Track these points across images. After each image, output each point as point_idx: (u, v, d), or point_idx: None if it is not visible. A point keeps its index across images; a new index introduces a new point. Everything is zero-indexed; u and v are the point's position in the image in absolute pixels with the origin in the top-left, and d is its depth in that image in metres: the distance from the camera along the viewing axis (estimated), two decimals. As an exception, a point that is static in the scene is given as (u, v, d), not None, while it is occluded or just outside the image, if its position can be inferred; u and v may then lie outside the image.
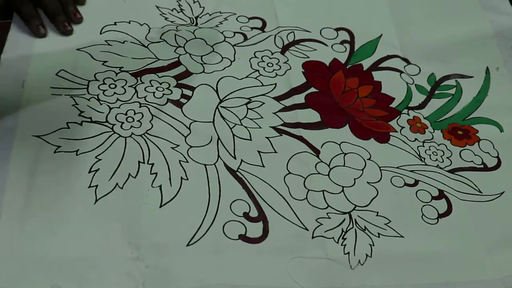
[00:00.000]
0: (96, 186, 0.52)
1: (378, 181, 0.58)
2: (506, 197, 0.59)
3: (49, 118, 0.56)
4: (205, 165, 0.56)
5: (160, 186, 0.54)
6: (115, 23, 0.66)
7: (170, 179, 0.54)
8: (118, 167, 0.54)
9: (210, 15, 0.70)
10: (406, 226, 0.55)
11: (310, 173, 0.57)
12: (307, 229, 0.53)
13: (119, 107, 0.59)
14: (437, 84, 0.68)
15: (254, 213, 0.54)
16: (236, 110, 0.61)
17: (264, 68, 0.65)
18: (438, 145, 0.62)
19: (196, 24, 0.68)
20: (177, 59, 0.64)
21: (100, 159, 0.54)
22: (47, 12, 0.64)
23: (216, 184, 0.55)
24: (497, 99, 0.68)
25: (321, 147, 0.60)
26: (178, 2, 0.70)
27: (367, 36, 0.71)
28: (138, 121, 0.58)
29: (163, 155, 0.56)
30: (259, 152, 0.58)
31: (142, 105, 0.59)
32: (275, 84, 0.64)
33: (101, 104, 0.58)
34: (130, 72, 0.62)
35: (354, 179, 0.58)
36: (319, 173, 0.58)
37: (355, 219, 0.55)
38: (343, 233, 0.54)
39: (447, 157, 0.62)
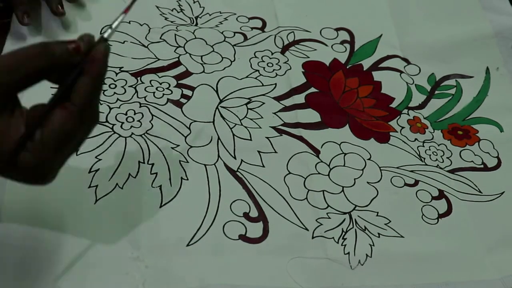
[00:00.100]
0: (96, 186, 0.52)
1: (378, 181, 0.58)
2: (506, 197, 0.59)
3: (49, 118, 0.56)
4: (205, 165, 0.56)
5: (160, 186, 0.53)
6: (115, 23, 0.66)
7: (170, 179, 0.54)
8: (118, 167, 0.54)
9: (210, 15, 0.70)
10: (406, 226, 0.55)
11: (310, 173, 0.57)
12: (307, 229, 0.53)
13: (119, 107, 0.58)
14: (437, 84, 0.68)
15: (254, 213, 0.54)
16: (236, 110, 0.61)
17: (264, 68, 0.65)
18: (438, 145, 0.62)
19: (196, 24, 0.68)
20: (177, 59, 0.64)
21: (100, 159, 0.54)
22: None
23: (216, 184, 0.55)
24: (497, 99, 0.68)
25: (321, 147, 0.60)
26: (178, 2, 0.70)
27: (367, 36, 0.71)
28: (138, 121, 0.58)
29: (163, 155, 0.56)
30: (259, 152, 0.58)
31: (142, 105, 0.59)
32: (275, 84, 0.64)
33: (101, 104, 0.58)
34: (130, 72, 0.62)
35: (354, 179, 0.58)
36: (319, 173, 0.58)
37: (355, 219, 0.55)
38: (343, 233, 0.54)
39: (447, 157, 0.62)
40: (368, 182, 0.58)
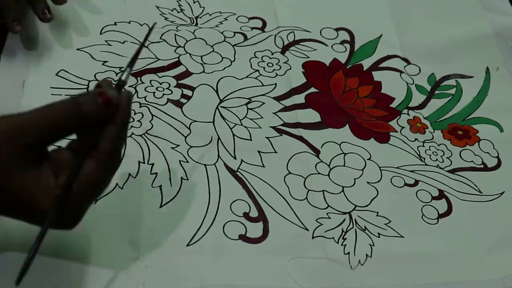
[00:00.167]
0: (96, 186, 0.52)
1: (378, 181, 0.58)
2: (506, 197, 0.59)
3: (49, 118, 0.56)
4: (205, 165, 0.56)
5: (160, 186, 0.53)
6: (115, 23, 0.66)
7: (170, 179, 0.54)
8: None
9: (210, 15, 0.70)
10: (406, 226, 0.55)
11: (310, 173, 0.57)
12: (307, 229, 0.53)
13: (119, 107, 0.58)
14: (437, 84, 0.68)
15: (254, 213, 0.54)
16: (236, 110, 0.61)
17: (264, 68, 0.65)
18: (438, 145, 0.62)
19: (196, 24, 0.68)
20: (177, 59, 0.64)
21: (100, 159, 0.54)
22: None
23: (216, 184, 0.55)
24: (497, 99, 0.68)
25: (321, 147, 0.60)
26: (178, 2, 0.70)
27: (367, 36, 0.71)
28: (138, 121, 0.58)
29: (163, 155, 0.56)
30: (259, 152, 0.58)
31: (142, 105, 0.59)
32: (275, 84, 0.64)
33: (101, 104, 0.58)
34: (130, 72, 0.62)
35: (354, 179, 0.58)
36: (319, 173, 0.58)
37: (355, 219, 0.55)
38: (343, 233, 0.54)
39: (447, 157, 0.62)
40: (368, 182, 0.58)
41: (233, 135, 0.59)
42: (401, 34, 0.72)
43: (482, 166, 0.62)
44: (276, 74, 0.65)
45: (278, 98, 0.63)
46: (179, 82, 0.62)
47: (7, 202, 0.38)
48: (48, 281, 0.46)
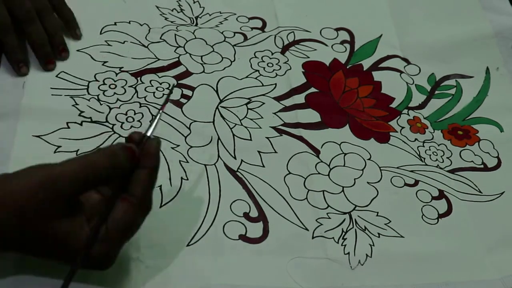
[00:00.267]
0: (96, 186, 0.52)
1: (378, 181, 0.58)
2: (506, 197, 0.59)
3: (49, 118, 0.56)
4: (205, 165, 0.56)
5: (160, 186, 0.53)
6: (115, 23, 0.66)
7: (170, 179, 0.54)
8: None
9: (210, 15, 0.70)
10: (406, 226, 0.55)
11: (310, 173, 0.57)
12: (307, 229, 0.53)
13: (119, 107, 0.58)
14: (437, 84, 0.68)
15: (254, 213, 0.54)
16: (236, 110, 0.61)
17: (264, 68, 0.65)
18: (438, 145, 0.62)
19: (196, 24, 0.68)
20: (177, 59, 0.64)
21: (100, 159, 0.54)
22: (30, 42, 0.59)
23: (216, 184, 0.55)
24: (497, 99, 0.68)
25: (321, 147, 0.60)
26: (178, 2, 0.70)
27: (367, 36, 0.71)
28: (138, 121, 0.58)
29: (163, 155, 0.56)
30: (259, 152, 0.58)
31: (142, 105, 0.59)
32: (275, 84, 0.64)
33: (101, 104, 0.58)
34: (130, 72, 0.62)
35: (354, 179, 0.58)
36: (319, 173, 0.58)
37: (355, 219, 0.55)
38: (343, 233, 0.54)
39: (447, 157, 0.62)
40: (368, 182, 0.58)
41: (233, 135, 0.59)
42: (401, 34, 0.72)
43: (482, 166, 0.62)
44: (276, 74, 0.65)
45: (278, 98, 0.63)
46: (179, 82, 0.62)
47: (42, 247, 0.39)
48: (48, 281, 0.46)
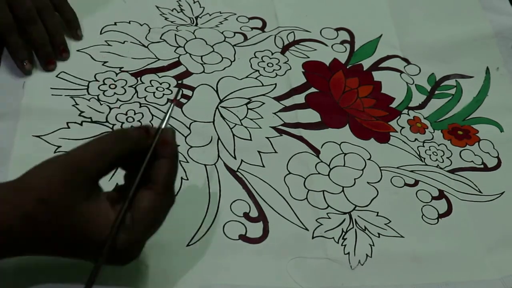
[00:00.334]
0: (96, 186, 0.52)
1: (378, 181, 0.58)
2: (506, 197, 0.59)
3: (49, 118, 0.56)
4: (205, 165, 0.56)
5: (160, 186, 0.53)
6: (115, 23, 0.66)
7: (170, 179, 0.54)
8: (118, 167, 0.54)
9: (210, 15, 0.70)
10: (406, 226, 0.55)
11: (310, 173, 0.57)
12: (307, 229, 0.53)
13: (119, 107, 0.59)
14: (437, 84, 0.68)
15: (254, 213, 0.54)
16: (236, 110, 0.61)
17: (264, 68, 0.65)
18: (438, 145, 0.62)
19: (196, 24, 0.68)
20: (177, 59, 0.64)
21: (100, 159, 0.54)
22: (31, 42, 0.59)
23: (216, 184, 0.55)
24: (497, 99, 0.68)
25: (321, 147, 0.60)
26: (178, 2, 0.70)
27: (367, 36, 0.71)
28: (138, 121, 0.58)
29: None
30: (259, 152, 0.58)
31: (142, 105, 0.59)
32: (275, 84, 0.64)
33: (101, 104, 0.58)
34: (130, 72, 0.62)
35: (354, 179, 0.58)
36: (319, 173, 0.58)
37: (355, 219, 0.55)
38: (343, 233, 0.54)
39: (447, 157, 0.62)
40: (368, 182, 0.58)
41: (233, 135, 0.59)
42: (401, 34, 0.72)
43: (482, 166, 0.62)
44: (276, 74, 0.65)
45: (278, 98, 0.63)
46: (179, 82, 0.62)
47: (68, 238, 0.39)
48: (48, 281, 0.46)
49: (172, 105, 0.45)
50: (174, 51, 0.65)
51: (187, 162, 0.56)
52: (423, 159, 0.61)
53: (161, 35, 0.66)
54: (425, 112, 0.65)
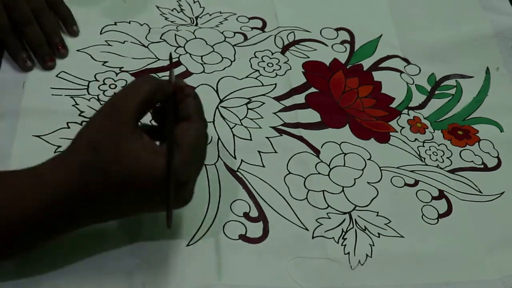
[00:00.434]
0: (96, 186, 0.52)
1: (378, 181, 0.58)
2: (506, 197, 0.59)
3: (49, 118, 0.56)
4: (205, 165, 0.56)
5: (160, 186, 0.53)
6: (115, 23, 0.66)
7: (170, 179, 0.54)
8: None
9: (210, 15, 0.70)
10: (406, 226, 0.55)
11: (310, 173, 0.57)
12: (307, 229, 0.53)
13: (119, 107, 0.58)
14: (437, 84, 0.68)
15: (254, 213, 0.54)
16: (236, 110, 0.61)
17: (264, 68, 0.65)
18: (438, 145, 0.62)
19: (196, 24, 0.68)
20: (177, 59, 0.64)
21: (100, 159, 0.54)
22: (28, 43, 0.60)
23: (216, 184, 0.55)
24: (497, 99, 0.68)
25: (321, 147, 0.60)
26: (178, 2, 0.70)
27: (367, 36, 0.71)
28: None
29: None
30: (259, 152, 0.58)
31: (142, 105, 0.59)
32: (275, 84, 0.64)
33: (101, 104, 0.58)
34: (130, 72, 0.62)
35: (354, 179, 0.58)
36: (319, 173, 0.58)
37: (355, 219, 0.55)
38: (343, 233, 0.54)
39: (447, 157, 0.62)
40: (368, 182, 0.58)
41: (233, 135, 0.59)
42: (401, 34, 0.72)
43: (482, 166, 0.62)
44: (276, 74, 0.65)
45: (278, 98, 0.63)
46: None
47: (125, 170, 0.41)
48: (48, 281, 0.46)
49: (171, 71, 0.46)
50: (174, 51, 0.65)
51: (187, 162, 0.56)
52: (423, 159, 0.61)
53: (161, 35, 0.66)
54: (425, 112, 0.65)
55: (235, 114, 0.61)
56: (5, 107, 0.56)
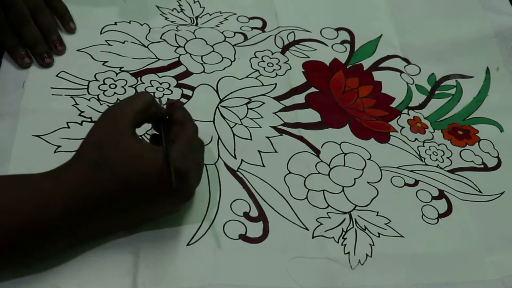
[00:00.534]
0: (96, 186, 0.52)
1: (378, 181, 0.58)
2: (506, 197, 0.59)
3: (49, 118, 0.56)
4: (205, 164, 0.56)
5: (160, 186, 0.53)
6: (115, 23, 0.66)
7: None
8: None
9: (210, 15, 0.70)
10: (406, 226, 0.55)
11: (311, 173, 0.57)
12: (307, 229, 0.53)
13: (119, 107, 0.58)
14: (437, 84, 0.68)
15: (254, 213, 0.54)
16: (237, 110, 0.61)
17: (264, 68, 0.65)
18: (438, 145, 0.62)
19: (197, 24, 0.68)
20: (177, 59, 0.64)
21: (100, 159, 0.54)
22: (25, 42, 0.60)
23: (217, 184, 0.55)
24: (497, 99, 0.68)
25: (321, 147, 0.60)
26: (179, 2, 0.70)
27: (367, 36, 0.71)
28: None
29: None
30: (259, 151, 0.58)
31: (142, 105, 0.59)
32: (275, 84, 0.64)
33: (101, 104, 0.58)
34: (130, 72, 0.62)
35: (354, 179, 0.58)
36: (319, 173, 0.58)
37: (355, 219, 0.55)
38: (343, 233, 0.54)
39: (447, 157, 0.62)
40: (368, 182, 0.58)
41: (234, 134, 0.59)
42: (401, 34, 0.72)
43: (482, 166, 0.62)
44: (276, 74, 0.65)
45: (278, 98, 0.63)
46: (179, 82, 0.62)
47: (130, 160, 0.45)
48: (48, 281, 0.46)
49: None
50: (174, 51, 0.65)
51: (187, 162, 0.56)
52: (423, 159, 0.61)
53: (161, 35, 0.66)
54: (425, 112, 0.65)
55: (235, 113, 0.61)
56: (5, 107, 0.56)
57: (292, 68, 0.66)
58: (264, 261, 0.51)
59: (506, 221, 0.57)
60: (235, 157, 0.57)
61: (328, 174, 0.58)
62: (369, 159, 0.60)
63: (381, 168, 0.59)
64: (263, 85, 0.64)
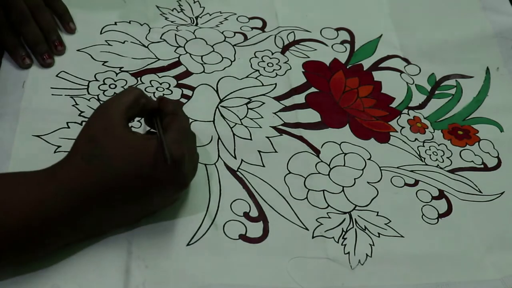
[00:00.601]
0: (96, 186, 0.52)
1: (378, 181, 0.58)
2: (506, 197, 0.59)
3: (49, 118, 0.56)
4: (205, 164, 0.56)
5: (160, 186, 0.53)
6: (115, 23, 0.66)
7: (170, 179, 0.54)
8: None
9: (210, 15, 0.70)
10: (406, 226, 0.55)
11: (311, 173, 0.57)
12: (307, 229, 0.53)
13: (119, 107, 0.58)
14: (437, 84, 0.68)
15: (254, 213, 0.54)
16: (237, 110, 0.61)
17: (264, 68, 0.65)
18: (438, 145, 0.62)
19: (197, 24, 0.68)
20: (177, 59, 0.64)
21: (100, 159, 0.54)
22: (26, 42, 0.60)
23: (217, 184, 0.55)
24: (497, 99, 0.68)
25: (321, 147, 0.60)
26: (179, 2, 0.70)
27: (367, 36, 0.71)
28: (138, 121, 0.58)
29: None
30: (259, 151, 0.58)
31: (142, 105, 0.59)
32: (275, 84, 0.64)
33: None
34: (130, 72, 0.62)
35: (354, 179, 0.58)
36: (319, 173, 0.58)
37: (355, 219, 0.55)
38: (343, 233, 0.54)
39: (447, 157, 0.62)
40: (368, 182, 0.58)
41: (234, 134, 0.59)
42: (401, 34, 0.72)
43: (482, 166, 0.62)
44: (276, 74, 0.65)
45: (278, 98, 0.63)
46: (179, 82, 0.62)
47: (128, 150, 0.45)
48: (48, 281, 0.46)
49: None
50: (174, 51, 0.65)
51: (187, 162, 0.56)
52: (423, 159, 0.61)
53: (161, 35, 0.66)
54: (425, 112, 0.65)
55: (235, 113, 0.61)
56: (5, 107, 0.56)
57: (292, 68, 0.66)
58: (264, 261, 0.51)
59: (506, 221, 0.57)
60: (235, 157, 0.57)
61: (328, 174, 0.58)
62: (369, 159, 0.60)
63: (381, 168, 0.59)
64: (263, 85, 0.64)
